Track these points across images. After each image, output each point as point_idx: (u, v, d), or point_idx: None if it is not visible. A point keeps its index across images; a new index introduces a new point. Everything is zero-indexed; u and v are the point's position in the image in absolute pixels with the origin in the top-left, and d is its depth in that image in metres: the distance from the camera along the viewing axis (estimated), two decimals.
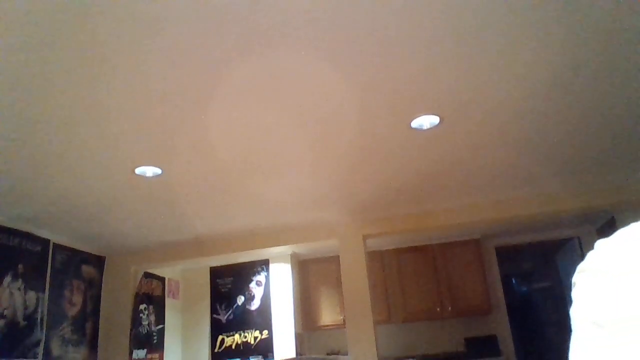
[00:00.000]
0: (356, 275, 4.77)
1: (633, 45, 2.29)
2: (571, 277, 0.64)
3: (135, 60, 2.10)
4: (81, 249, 4.81)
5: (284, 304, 5.78)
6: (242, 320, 5.86)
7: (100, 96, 2.35)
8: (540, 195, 4.59)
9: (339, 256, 4.95)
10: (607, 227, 5.54)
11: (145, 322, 5.35)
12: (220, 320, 5.96)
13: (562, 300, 7.04)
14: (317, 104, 2.61)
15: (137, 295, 5.23)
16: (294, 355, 5.56)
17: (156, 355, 5.50)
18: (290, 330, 5.66)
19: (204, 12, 1.85)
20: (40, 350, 4.11)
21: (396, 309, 5.99)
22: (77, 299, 4.69)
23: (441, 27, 2.06)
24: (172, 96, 2.41)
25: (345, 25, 2.00)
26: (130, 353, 4.97)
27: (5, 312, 3.79)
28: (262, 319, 5.79)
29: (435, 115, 2.84)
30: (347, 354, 4.69)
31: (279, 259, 5.92)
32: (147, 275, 5.54)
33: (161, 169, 3.26)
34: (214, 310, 6.02)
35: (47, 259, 4.34)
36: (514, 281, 8.04)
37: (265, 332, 5.73)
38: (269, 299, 5.84)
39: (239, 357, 5.74)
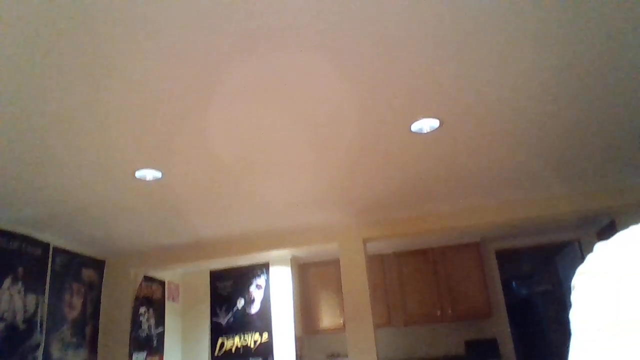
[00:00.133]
0: (356, 278, 4.76)
1: (633, 46, 2.29)
2: (571, 280, 0.64)
3: (135, 62, 2.11)
4: (81, 252, 4.81)
5: (284, 307, 5.77)
6: (242, 324, 5.86)
7: (99, 99, 2.36)
8: (540, 198, 4.59)
9: (339, 259, 4.94)
10: (607, 230, 5.54)
11: (145, 325, 5.35)
12: (220, 323, 5.95)
13: (562, 303, 7.03)
14: (317, 106, 2.61)
15: (137, 298, 5.23)
16: (294, 358, 5.55)
17: (156, 358, 5.49)
18: (290, 333, 5.65)
19: (204, 13, 1.86)
20: (39, 353, 4.10)
21: (396, 312, 5.98)
22: (77, 302, 4.68)
23: (441, 31, 2.06)
24: (171, 99, 2.41)
25: (346, 27, 2.00)
26: (130, 356, 4.96)
27: (5, 315, 3.79)
28: (262, 322, 5.78)
29: (435, 118, 2.84)
30: (347, 358, 4.68)
31: (279, 262, 5.92)
32: (147, 278, 5.53)
33: (161, 172, 3.26)
34: (213, 314, 6.01)
35: (47, 262, 4.33)
36: (514, 284, 8.03)
37: (265, 335, 5.72)
38: (269, 302, 5.83)
39: None
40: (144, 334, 5.30)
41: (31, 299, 4.07)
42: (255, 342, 5.74)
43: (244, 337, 5.80)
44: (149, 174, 3.26)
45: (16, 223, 3.98)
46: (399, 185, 3.93)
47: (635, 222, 0.63)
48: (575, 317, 0.61)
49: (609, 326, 0.55)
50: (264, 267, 5.95)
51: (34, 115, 2.44)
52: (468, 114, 2.82)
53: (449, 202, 4.50)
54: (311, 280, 6.20)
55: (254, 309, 5.87)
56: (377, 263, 6.15)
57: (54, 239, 4.44)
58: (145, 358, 5.27)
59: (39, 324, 4.13)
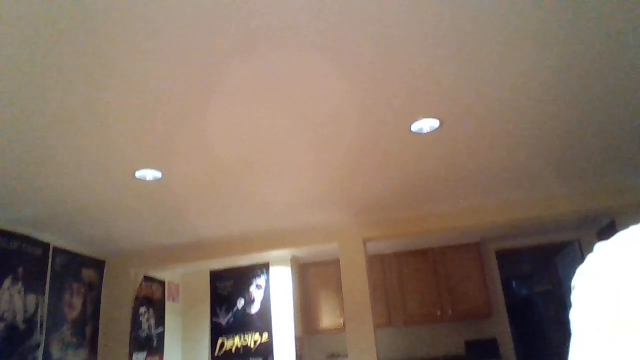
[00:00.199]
0: (356, 278, 4.76)
1: (633, 46, 2.29)
2: (571, 280, 0.64)
3: (135, 62, 2.11)
4: (81, 252, 4.81)
5: (284, 307, 5.77)
6: (242, 324, 5.85)
7: (99, 98, 2.36)
8: (540, 198, 4.59)
9: (339, 259, 4.94)
10: (607, 230, 5.54)
11: (145, 325, 5.35)
12: (220, 323, 5.95)
13: (562, 303, 7.03)
14: (317, 106, 2.61)
15: (137, 298, 5.23)
16: (294, 358, 5.55)
17: (156, 358, 5.49)
18: (290, 333, 5.65)
19: (204, 13, 1.86)
20: (39, 353, 4.10)
21: (396, 312, 5.98)
22: (77, 302, 4.68)
23: (441, 30, 2.06)
24: (171, 99, 2.41)
25: (346, 27, 2.00)
26: (130, 356, 4.96)
27: (5, 315, 3.79)
28: (262, 322, 5.78)
29: (435, 118, 2.84)
30: (347, 358, 4.68)
31: (279, 262, 5.92)
32: (147, 278, 5.53)
33: (161, 172, 3.26)
34: (213, 314, 6.01)
35: (47, 262, 4.33)
36: (514, 284, 8.03)
37: (265, 335, 5.72)
38: (269, 302, 5.83)
39: None
40: (144, 334, 5.30)
41: (31, 299, 4.07)
42: (255, 342, 5.74)
43: (244, 337, 5.80)
44: (149, 174, 3.26)
45: (16, 223, 3.98)
46: (399, 185, 3.93)
47: (635, 222, 0.63)
48: (575, 317, 0.61)
49: (609, 326, 0.55)
50: (264, 267, 5.95)
51: (34, 115, 2.44)
52: (468, 114, 2.82)
53: (449, 202, 4.50)
54: (311, 280, 6.20)
55: (254, 309, 5.87)
56: (377, 263, 6.15)
57: (54, 239, 4.44)
58: (145, 358, 5.27)
59: (39, 324, 4.13)
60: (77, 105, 2.39)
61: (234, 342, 5.82)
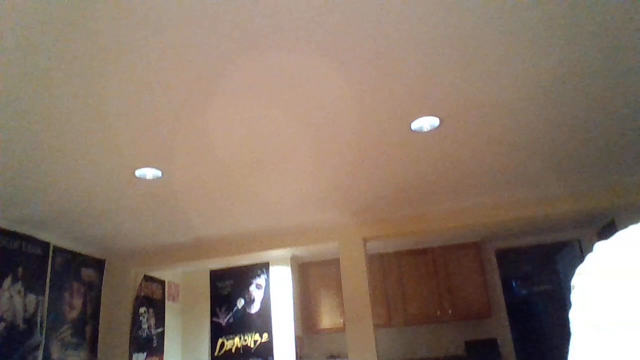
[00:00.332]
0: (356, 278, 4.76)
1: (633, 46, 2.29)
2: (571, 279, 0.64)
3: (135, 61, 2.11)
4: (81, 251, 4.81)
5: (284, 307, 5.78)
6: (242, 324, 5.86)
7: (100, 98, 2.36)
8: (540, 198, 4.59)
9: (339, 259, 4.94)
10: (607, 230, 5.54)
11: (145, 325, 5.35)
12: (220, 323, 5.95)
13: (562, 302, 7.03)
14: (317, 105, 2.61)
15: (137, 298, 5.23)
16: (294, 358, 5.55)
17: (156, 359, 5.49)
18: (290, 333, 5.65)
19: (204, 12, 1.86)
20: (40, 353, 4.11)
21: (396, 312, 5.98)
22: (77, 302, 4.68)
23: (441, 29, 2.06)
24: (172, 98, 2.41)
25: (346, 27, 2.00)
26: (130, 356, 4.96)
27: (5, 315, 3.79)
28: (262, 322, 5.78)
29: (435, 117, 2.84)
30: (347, 358, 4.68)
31: (279, 261, 5.92)
32: (147, 278, 5.53)
33: (161, 171, 3.26)
34: (214, 314, 6.01)
35: (47, 262, 4.33)
36: (514, 284, 8.04)
37: (265, 335, 5.72)
38: (269, 302, 5.83)
39: None
40: (144, 334, 5.30)
41: (31, 298, 4.07)
42: (255, 342, 5.74)
43: (244, 337, 5.80)
44: (149, 172, 3.26)
45: (16, 222, 3.98)
46: (399, 184, 3.93)
47: (635, 222, 0.63)
48: (575, 316, 0.61)
49: (609, 325, 0.55)
50: (264, 267, 5.95)
51: (34, 114, 2.44)
52: (468, 112, 2.82)
53: (449, 202, 4.50)
54: (311, 279, 6.20)
55: (254, 308, 5.87)
56: (377, 262, 6.15)
57: (54, 239, 4.44)
58: (145, 358, 5.27)
59: (39, 324, 4.13)
60: (77, 105, 2.39)
61: (234, 342, 5.82)
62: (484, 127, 3.01)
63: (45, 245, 4.32)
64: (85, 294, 4.82)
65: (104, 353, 4.90)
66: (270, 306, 5.81)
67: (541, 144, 3.33)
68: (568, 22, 2.08)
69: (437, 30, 2.06)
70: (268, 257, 5.71)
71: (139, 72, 2.17)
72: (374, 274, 6.05)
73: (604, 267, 0.59)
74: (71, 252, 4.66)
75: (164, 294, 5.88)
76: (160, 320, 5.68)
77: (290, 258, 5.92)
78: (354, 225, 4.92)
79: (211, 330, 5.96)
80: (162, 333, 5.68)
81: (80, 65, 2.09)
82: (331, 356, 6.09)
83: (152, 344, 5.45)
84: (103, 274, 5.13)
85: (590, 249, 0.64)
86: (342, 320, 5.82)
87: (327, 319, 6.01)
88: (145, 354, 5.27)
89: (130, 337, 4.98)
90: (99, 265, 5.08)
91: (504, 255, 6.36)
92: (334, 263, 5.86)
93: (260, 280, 5.94)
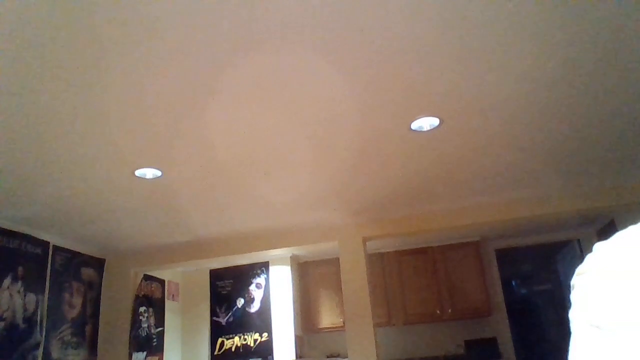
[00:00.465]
0: (356, 277, 4.76)
1: (633, 45, 2.29)
2: (571, 279, 0.64)
3: (135, 61, 2.10)
4: (81, 251, 4.81)
5: (283, 306, 5.78)
6: (242, 323, 5.86)
7: (100, 98, 2.36)
8: (540, 197, 4.59)
9: (339, 258, 4.95)
10: (607, 230, 5.54)
11: (145, 325, 5.35)
12: (220, 322, 5.96)
13: (561, 302, 7.04)
14: (317, 105, 2.61)
15: (136, 297, 5.23)
16: (294, 357, 5.55)
17: (156, 358, 5.49)
18: (290, 332, 5.66)
19: (204, 13, 1.86)
20: (39, 352, 4.11)
21: (396, 312, 5.98)
22: (77, 301, 4.68)
23: (441, 29, 2.06)
24: (172, 98, 2.41)
25: (346, 27, 2.00)
26: (130, 355, 4.96)
27: (5, 315, 3.79)
28: (262, 321, 5.78)
29: (435, 117, 2.84)
30: (347, 357, 4.68)
31: (279, 261, 5.92)
32: (147, 277, 5.53)
33: (161, 170, 3.26)
34: (213, 313, 6.01)
35: (47, 261, 4.33)
36: (513, 283, 8.04)
37: (265, 334, 5.73)
38: (269, 301, 5.83)
39: None
40: (143, 333, 5.30)
41: (31, 298, 4.07)
42: (255, 341, 5.74)
43: (243, 336, 5.81)
44: (148, 172, 3.26)
45: (16, 222, 3.98)
46: (399, 184, 3.93)
47: (635, 222, 0.63)
48: (575, 316, 0.61)
49: (608, 325, 0.55)
50: (263, 266, 5.95)
51: (34, 114, 2.44)
52: (468, 112, 2.82)
53: (449, 201, 4.50)
54: (311, 279, 6.21)
55: (254, 308, 5.87)
56: (377, 262, 6.15)
57: (54, 238, 4.44)
58: (145, 357, 5.27)
59: (38, 323, 4.13)
60: (78, 105, 2.39)
61: (234, 341, 5.83)
62: (484, 127, 3.01)
63: (45, 244, 4.32)
64: (85, 294, 4.82)
65: (103, 352, 4.90)
66: (270, 305, 5.82)
67: (541, 143, 3.33)
68: (568, 22, 2.08)
69: (437, 30, 2.06)
70: (268, 256, 5.71)
71: (139, 73, 2.17)
72: (374, 273, 6.05)
73: (603, 267, 0.59)
74: (71, 252, 4.66)
75: (164, 293, 5.88)
76: (160, 320, 5.68)
77: (290, 257, 5.92)
78: (353, 225, 4.92)
79: (211, 330, 5.96)
80: (162, 332, 5.68)
81: (80, 66, 2.09)
82: (331, 355, 6.09)
83: (152, 343, 5.45)
84: (103, 274, 5.13)
85: (590, 249, 0.64)
86: (342, 320, 5.81)
87: (327, 318, 6.02)
88: (145, 353, 5.27)
89: (130, 337, 4.98)
90: (98, 264, 5.08)
91: (504, 255, 6.36)
92: (334, 262, 5.86)
93: (260, 279, 5.94)
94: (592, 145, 3.45)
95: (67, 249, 4.61)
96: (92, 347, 4.83)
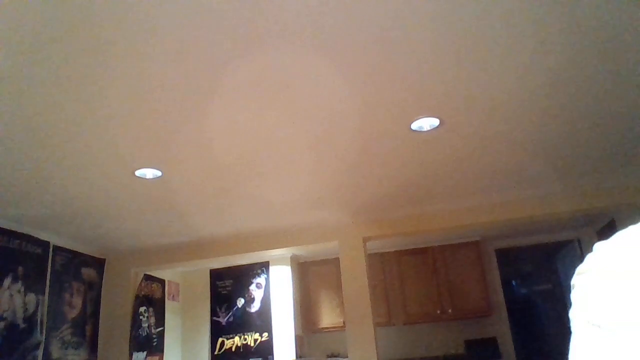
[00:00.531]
0: (356, 277, 4.77)
1: (633, 46, 2.29)
2: (571, 279, 0.64)
3: (136, 61, 2.11)
4: (81, 251, 4.81)
5: (284, 306, 5.78)
6: (242, 323, 5.86)
7: (100, 98, 2.36)
8: (540, 197, 4.59)
9: (339, 258, 4.95)
10: (607, 229, 5.54)
11: (145, 325, 5.35)
12: (220, 322, 5.96)
13: (562, 302, 7.04)
14: (317, 105, 2.61)
15: (137, 297, 5.23)
16: (294, 357, 5.55)
17: (156, 358, 5.49)
18: (290, 332, 5.66)
19: (204, 13, 1.86)
20: (40, 352, 4.11)
21: (396, 311, 5.99)
22: (77, 301, 4.68)
23: (441, 29, 2.06)
24: (172, 98, 2.41)
25: (346, 27, 2.00)
26: (130, 355, 4.96)
27: (5, 315, 3.79)
28: (262, 321, 5.78)
29: (435, 117, 2.84)
30: (347, 357, 4.68)
31: (279, 261, 5.92)
32: (147, 277, 5.53)
33: (161, 170, 3.26)
34: (214, 313, 6.01)
35: (47, 261, 4.33)
36: (514, 283, 8.04)
37: (265, 334, 5.73)
38: (269, 301, 5.84)
39: None
40: (144, 333, 5.30)
41: (31, 298, 4.07)
42: (255, 341, 5.74)
43: (244, 336, 5.81)
44: (149, 172, 3.26)
45: (16, 222, 3.99)
46: (399, 184, 3.93)
47: (636, 222, 0.63)
48: (575, 316, 0.61)
49: (608, 325, 0.55)
50: (264, 266, 5.95)
51: (34, 114, 2.44)
52: (468, 113, 2.82)
53: (449, 201, 4.50)
54: (311, 279, 6.21)
55: (254, 308, 5.87)
56: (377, 261, 6.15)
57: (54, 238, 4.44)
58: (145, 357, 5.28)
59: (39, 323, 4.13)
60: (78, 105, 2.39)
61: (234, 341, 5.83)
62: (483, 127, 3.01)
63: (45, 244, 4.32)
64: (85, 293, 4.82)
65: (104, 352, 4.90)
66: (270, 305, 5.82)
67: (541, 144, 3.33)
68: (568, 22, 2.08)
69: (437, 30, 2.06)
70: (268, 256, 5.71)
71: (139, 73, 2.17)
72: (374, 273, 6.05)
73: (603, 267, 0.59)
74: (71, 252, 4.66)
75: (164, 293, 5.88)
76: (160, 320, 5.68)
77: (290, 257, 5.92)
78: (354, 225, 4.92)
79: (211, 329, 5.96)
80: (162, 332, 5.68)
81: (80, 66, 2.09)
82: (331, 355, 6.09)
83: (152, 343, 5.45)
84: (103, 274, 5.13)
85: (590, 249, 0.64)
86: (342, 319, 5.81)
87: (327, 318, 6.02)
88: (145, 353, 5.27)
89: (130, 336, 4.98)
90: (99, 264, 5.08)
91: (504, 255, 6.36)
92: (334, 262, 5.86)
93: (260, 279, 5.94)
94: (592, 145, 3.45)
95: (67, 249, 4.61)
96: (92, 347, 4.83)
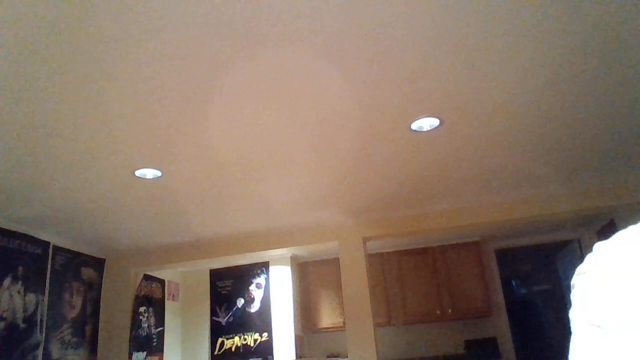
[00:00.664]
0: (356, 277, 4.77)
1: (633, 46, 2.29)
2: (571, 279, 0.64)
3: (135, 61, 2.11)
4: (81, 251, 4.81)
5: (283, 306, 5.78)
6: (242, 323, 5.86)
7: (100, 98, 2.36)
8: (540, 198, 4.59)
9: (339, 258, 4.95)
10: (607, 229, 5.54)
11: (145, 325, 5.35)
12: (220, 322, 5.96)
13: (561, 302, 7.04)
14: (317, 105, 2.61)
15: (136, 297, 5.23)
16: (294, 357, 5.55)
17: (156, 358, 5.49)
18: (290, 332, 5.66)
19: (204, 13, 1.86)
20: (39, 352, 4.11)
21: (396, 312, 5.99)
22: (77, 301, 4.68)
23: (441, 29, 2.06)
24: (172, 98, 2.41)
25: (346, 27, 2.00)
26: (130, 355, 4.96)
27: (5, 315, 3.79)
28: (262, 321, 5.79)
29: (435, 117, 2.84)
30: (347, 357, 4.68)
31: (279, 261, 5.92)
32: (147, 277, 5.53)
33: (161, 171, 3.26)
34: (213, 313, 6.01)
35: (47, 261, 4.33)
36: (513, 283, 8.04)
37: (265, 334, 5.73)
38: (269, 301, 5.84)
39: None
40: (143, 333, 5.30)
41: (31, 298, 4.07)
42: (255, 341, 5.74)
43: (244, 336, 5.81)
44: (149, 172, 3.26)
45: (16, 222, 3.98)
46: (399, 184, 3.93)
47: (636, 222, 0.63)
48: (575, 316, 0.61)
49: (608, 325, 0.55)
50: (263, 266, 5.95)
51: (34, 114, 2.44)
52: (468, 113, 2.82)
53: (449, 201, 4.50)
54: (311, 279, 6.21)
55: (254, 308, 5.87)
56: (377, 262, 6.15)
57: (54, 238, 4.44)
58: (145, 357, 5.28)
59: (38, 323, 4.13)
60: (78, 105, 2.39)
61: (234, 341, 5.83)
62: (483, 127, 3.01)
63: (45, 244, 4.32)
64: (85, 294, 4.82)
65: (103, 352, 4.90)
66: (270, 305, 5.82)
67: (541, 143, 3.34)
68: (568, 22, 2.08)
69: (437, 30, 2.06)
70: (268, 256, 5.71)
71: (139, 73, 2.17)
72: (374, 273, 6.05)
73: (603, 267, 0.59)
74: (71, 252, 4.66)
75: (164, 293, 5.88)
76: (160, 320, 5.68)
77: (290, 257, 5.92)
78: (353, 224, 4.92)
79: (211, 330, 5.96)
80: (162, 332, 5.68)
81: (80, 66, 2.09)
82: (331, 355, 6.09)
83: (152, 343, 5.45)
84: (103, 274, 5.13)
85: (590, 249, 0.64)
86: (342, 319, 5.82)
87: (327, 318, 6.02)
88: (145, 353, 5.27)
89: (130, 336, 4.98)
90: (98, 264, 5.08)
91: (504, 255, 6.37)
92: (334, 262, 5.86)
93: (260, 279, 5.94)
94: (592, 146, 3.45)
95: (67, 249, 4.61)
96: (92, 347, 4.83)
